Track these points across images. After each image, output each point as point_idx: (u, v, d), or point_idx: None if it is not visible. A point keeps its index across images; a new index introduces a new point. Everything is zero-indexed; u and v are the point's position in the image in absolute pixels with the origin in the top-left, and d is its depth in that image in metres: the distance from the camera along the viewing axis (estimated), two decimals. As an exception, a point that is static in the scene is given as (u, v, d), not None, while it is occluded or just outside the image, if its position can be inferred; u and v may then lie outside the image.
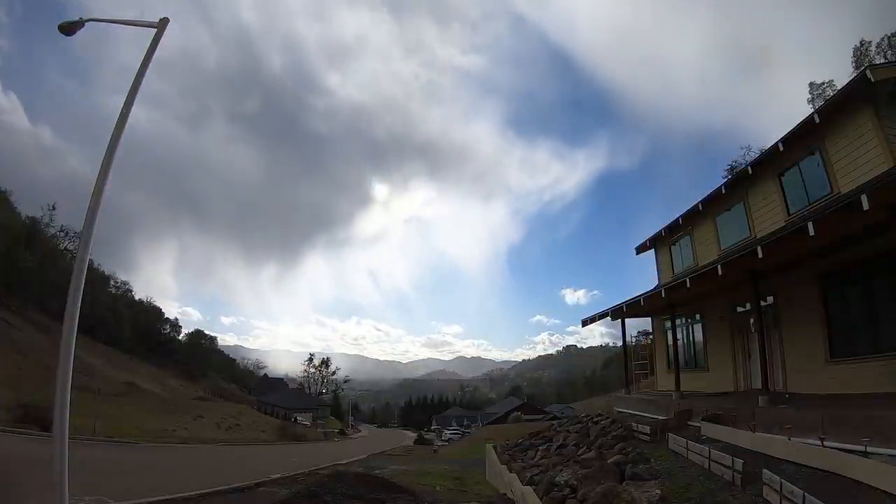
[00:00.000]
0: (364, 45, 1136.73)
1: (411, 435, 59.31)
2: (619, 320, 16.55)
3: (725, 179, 16.80)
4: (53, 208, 47.47)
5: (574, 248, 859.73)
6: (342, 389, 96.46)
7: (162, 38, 5.70)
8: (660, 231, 16.91)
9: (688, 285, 10.59)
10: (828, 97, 21.97)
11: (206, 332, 74.46)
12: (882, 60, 26.34)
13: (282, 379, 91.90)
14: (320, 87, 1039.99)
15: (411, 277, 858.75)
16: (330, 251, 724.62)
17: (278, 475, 12.29)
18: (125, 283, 60.90)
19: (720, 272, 9.39)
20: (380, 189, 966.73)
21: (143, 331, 56.78)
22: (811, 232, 7.01)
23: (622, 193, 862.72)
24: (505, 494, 10.02)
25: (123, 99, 5.34)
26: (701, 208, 14.51)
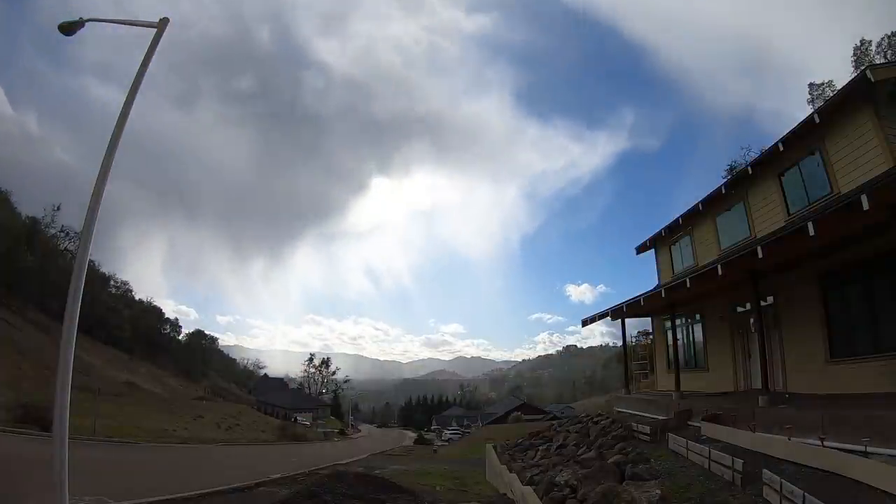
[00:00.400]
0: (358, 4, 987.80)
1: (411, 435, 59.38)
2: (619, 320, 16.56)
3: (725, 179, 16.80)
4: (58, 209, 47.49)
5: (582, 240, 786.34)
6: (342, 389, 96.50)
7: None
8: (660, 231, 16.91)
9: (688, 285, 10.60)
10: (828, 97, 21.97)
11: (206, 332, 74.54)
12: (882, 60, 26.32)
13: (282, 379, 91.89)
14: (312, 59, 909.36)
15: (410, 274, 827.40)
16: (325, 245, 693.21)
17: (278, 475, 12.30)
18: (125, 283, 60.89)
19: (720, 272, 9.40)
20: (377, 176, 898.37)
21: (143, 331, 56.72)
22: (811, 232, 7.02)
23: (643, 177, 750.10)
24: (505, 494, 10.02)
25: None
26: (701, 208, 14.51)
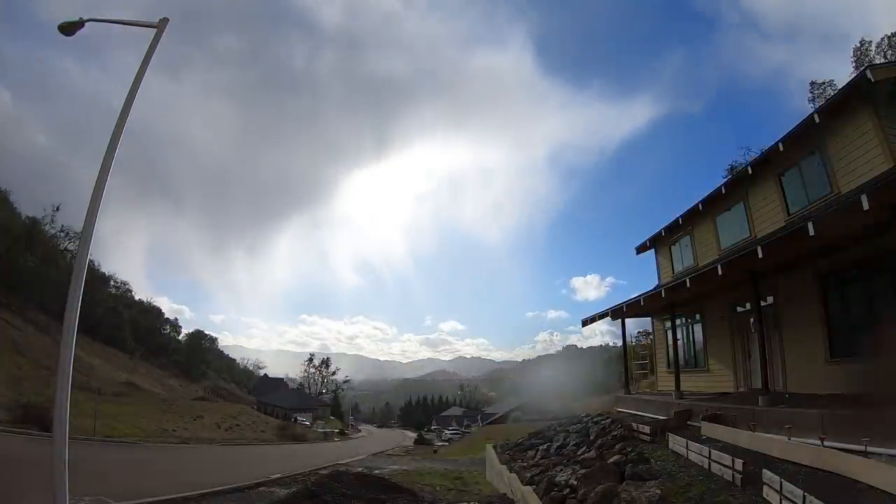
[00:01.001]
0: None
1: (411, 435, 59.30)
2: (620, 320, 16.55)
3: (725, 179, 16.80)
4: (57, 209, 47.46)
5: (589, 230, 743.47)
6: (342, 389, 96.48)
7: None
8: (659, 231, 16.91)
9: (688, 285, 10.59)
10: (828, 97, 21.96)
11: (206, 332, 74.44)
12: (882, 60, 26.32)
13: (282, 379, 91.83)
14: (300, 10, 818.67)
15: (406, 270, 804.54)
16: (318, 237, 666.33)
17: (278, 475, 12.31)
18: (125, 283, 60.93)
19: (720, 272, 9.39)
20: (374, 152, 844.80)
21: (143, 331, 56.76)
22: (811, 232, 7.01)
23: (668, 150, 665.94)
24: (505, 494, 10.02)
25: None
26: (701, 208, 14.50)
